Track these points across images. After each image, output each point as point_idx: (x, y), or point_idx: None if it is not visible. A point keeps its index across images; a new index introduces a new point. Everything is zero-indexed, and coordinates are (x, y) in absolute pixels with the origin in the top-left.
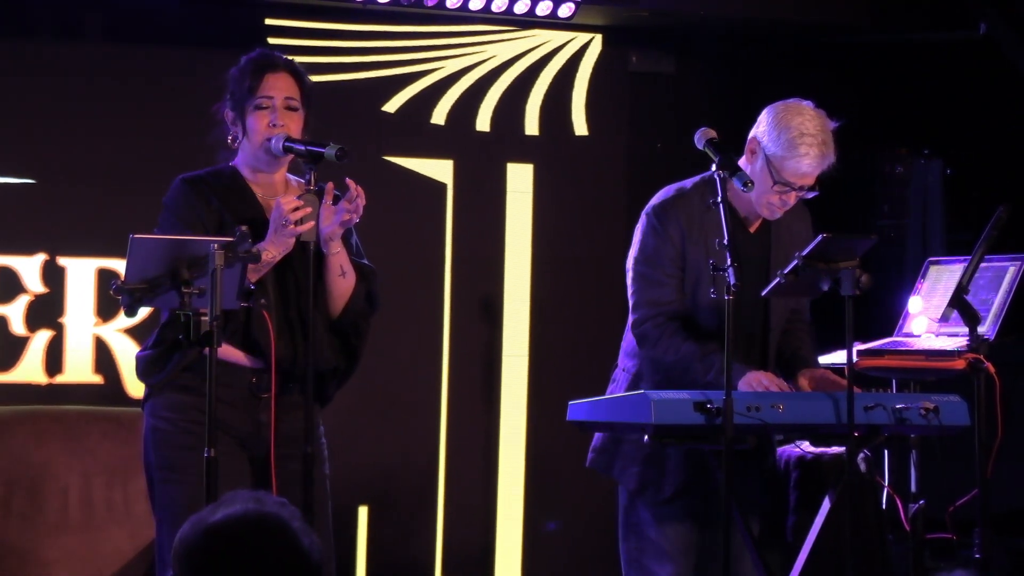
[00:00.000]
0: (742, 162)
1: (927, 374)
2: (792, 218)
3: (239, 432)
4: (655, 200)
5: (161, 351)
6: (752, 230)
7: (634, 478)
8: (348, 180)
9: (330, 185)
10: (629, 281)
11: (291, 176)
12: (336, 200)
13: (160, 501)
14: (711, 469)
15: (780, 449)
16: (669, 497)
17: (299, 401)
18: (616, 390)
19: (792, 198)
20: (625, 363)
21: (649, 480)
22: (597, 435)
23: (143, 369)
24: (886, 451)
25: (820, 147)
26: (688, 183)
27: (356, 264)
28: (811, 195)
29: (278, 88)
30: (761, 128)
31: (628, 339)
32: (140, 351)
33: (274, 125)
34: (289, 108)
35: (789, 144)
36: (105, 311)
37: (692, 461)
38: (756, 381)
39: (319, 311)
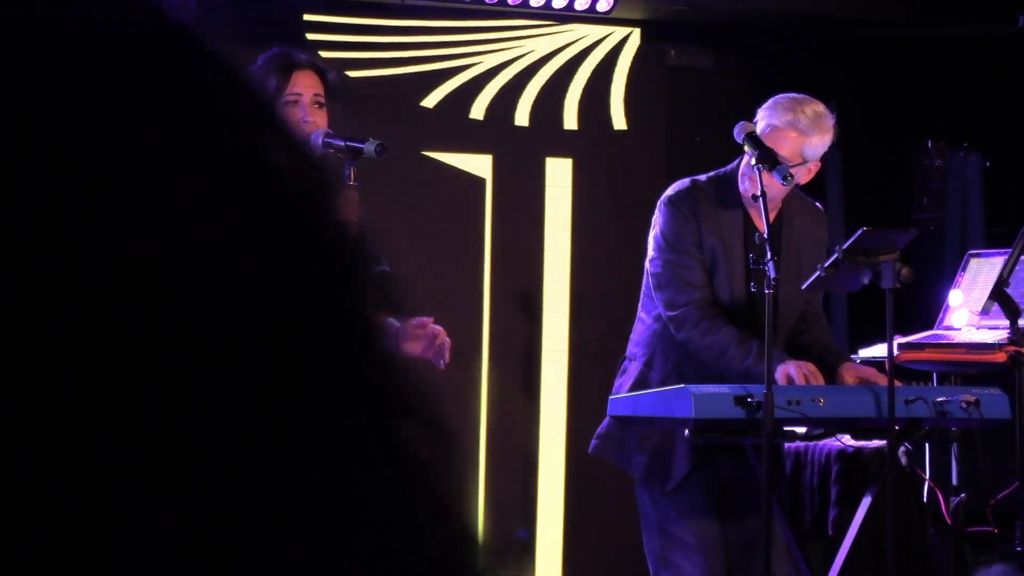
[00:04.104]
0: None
1: (968, 367)
2: (804, 220)
3: None
4: (670, 191)
5: None
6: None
7: (641, 468)
8: None
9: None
10: (655, 271)
11: None
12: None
13: None
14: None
15: (820, 443)
16: (674, 488)
17: None
18: (625, 380)
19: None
20: (634, 352)
21: (656, 470)
22: (604, 421)
23: None
24: (927, 444)
25: (800, 114)
26: (702, 177)
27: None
28: (782, 174)
29: (306, 85)
30: None
31: (639, 328)
32: None
33: (305, 122)
34: (317, 104)
35: (771, 103)
36: None
37: (697, 452)
38: (796, 369)
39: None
